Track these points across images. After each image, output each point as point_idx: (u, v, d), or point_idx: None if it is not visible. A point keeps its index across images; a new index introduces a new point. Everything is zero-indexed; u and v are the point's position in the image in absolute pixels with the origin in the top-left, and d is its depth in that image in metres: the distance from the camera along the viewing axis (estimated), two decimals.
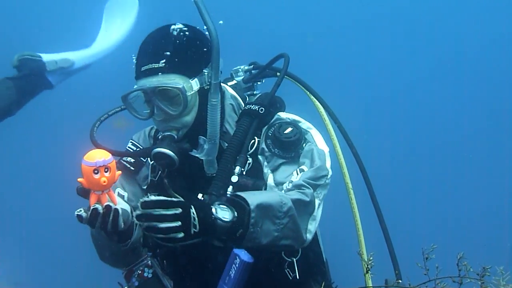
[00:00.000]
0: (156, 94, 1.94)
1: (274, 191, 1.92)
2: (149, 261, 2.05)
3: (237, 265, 1.80)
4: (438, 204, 7.22)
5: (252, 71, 2.38)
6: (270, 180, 1.98)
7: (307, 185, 1.91)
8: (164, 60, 1.93)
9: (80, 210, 1.63)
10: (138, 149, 2.18)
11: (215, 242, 1.70)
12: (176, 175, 2.05)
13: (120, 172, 1.70)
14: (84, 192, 1.66)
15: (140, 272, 2.05)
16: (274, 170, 2.01)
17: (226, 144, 2.04)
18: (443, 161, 7.63)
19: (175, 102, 1.95)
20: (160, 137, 2.00)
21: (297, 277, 1.96)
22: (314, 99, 2.36)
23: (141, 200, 1.54)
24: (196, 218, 1.57)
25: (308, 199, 1.89)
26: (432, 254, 1.47)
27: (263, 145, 2.03)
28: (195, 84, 1.97)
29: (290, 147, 2.01)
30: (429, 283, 1.45)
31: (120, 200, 1.81)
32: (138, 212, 1.53)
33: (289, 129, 2.02)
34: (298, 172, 1.97)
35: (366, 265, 1.51)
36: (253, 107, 2.07)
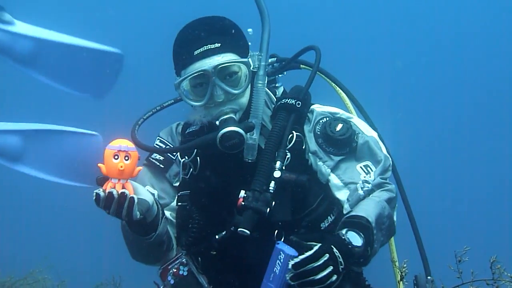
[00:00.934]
0: (217, 74, 1.93)
1: (371, 199, 1.90)
2: (184, 259, 2.05)
3: (282, 261, 1.77)
4: (469, 206, 7.14)
5: (275, 64, 2.36)
6: (336, 181, 2.00)
7: (387, 181, 1.96)
8: (218, 41, 1.95)
9: (100, 190, 1.65)
10: (168, 146, 2.17)
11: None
12: (214, 166, 2.06)
13: (140, 168, 1.71)
14: (102, 182, 1.68)
15: (175, 270, 2.04)
16: (334, 169, 2.01)
17: (263, 138, 2.03)
18: (475, 161, 7.54)
19: (235, 80, 1.97)
20: (220, 121, 1.97)
21: None
22: (344, 95, 2.36)
23: (291, 262, 1.57)
24: (339, 256, 1.58)
25: (394, 195, 1.96)
26: (465, 257, 1.48)
27: (313, 145, 2.03)
28: (250, 62, 2.00)
29: (345, 144, 2.01)
30: (463, 286, 1.47)
31: (143, 191, 1.81)
32: (291, 274, 1.57)
33: (340, 126, 2.02)
34: (364, 168, 1.99)
35: (400, 272, 1.52)
36: (289, 101, 2.06)
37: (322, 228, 2.01)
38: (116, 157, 1.63)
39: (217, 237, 1.98)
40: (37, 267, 5.59)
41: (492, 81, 8.05)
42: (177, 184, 2.15)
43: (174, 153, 2.16)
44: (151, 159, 2.15)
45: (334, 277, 1.55)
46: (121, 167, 1.62)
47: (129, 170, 1.65)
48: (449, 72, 8.15)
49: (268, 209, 1.87)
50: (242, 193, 1.91)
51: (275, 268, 1.78)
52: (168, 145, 2.18)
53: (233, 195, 1.94)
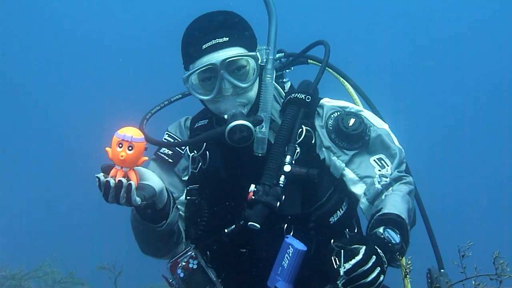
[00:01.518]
0: (225, 67, 1.94)
1: (396, 194, 1.90)
2: (193, 253, 2.06)
3: (290, 255, 1.80)
4: (473, 200, 7.15)
5: (282, 59, 2.35)
6: (352, 175, 2.01)
7: (404, 174, 1.98)
8: (226, 35, 1.96)
9: (100, 174, 1.67)
10: (176, 140, 2.18)
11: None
12: (223, 160, 2.06)
13: (146, 158, 1.70)
14: (106, 169, 1.69)
15: (184, 263, 2.04)
16: (348, 163, 2.02)
17: (273, 133, 2.04)
18: (481, 155, 7.55)
19: (243, 74, 1.98)
20: (229, 115, 1.96)
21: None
22: (352, 90, 2.36)
23: (342, 270, 1.53)
24: (383, 255, 1.58)
25: (413, 187, 1.98)
26: (468, 252, 1.51)
27: (326, 141, 2.03)
28: (258, 56, 2.01)
29: (358, 138, 2.02)
30: (466, 281, 1.50)
31: (152, 177, 1.81)
32: (342, 279, 1.52)
33: (352, 120, 2.03)
34: (377, 161, 2.01)
35: (404, 270, 1.55)
36: (299, 95, 2.07)
37: (331, 223, 2.01)
38: (120, 145, 1.64)
39: (226, 231, 2.00)
40: (46, 260, 5.69)
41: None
42: (186, 178, 2.16)
43: (183, 147, 2.16)
44: (159, 153, 2.16)
45: (382, 277, 1.55)
46: (122, 156, 1.63)
47: (130, 160, 1.65)
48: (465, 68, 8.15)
49: (278, 203, 1.88)
50: (252, 187, 1.91)
51: (283, 262, 1.81)
52: (177, 140, 2.18)
53: (243, 189, 1.95)
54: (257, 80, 2.03)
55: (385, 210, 1.80)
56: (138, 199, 1.68)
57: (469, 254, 1.54)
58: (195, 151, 2.12)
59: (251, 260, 2.03)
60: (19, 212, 7.31)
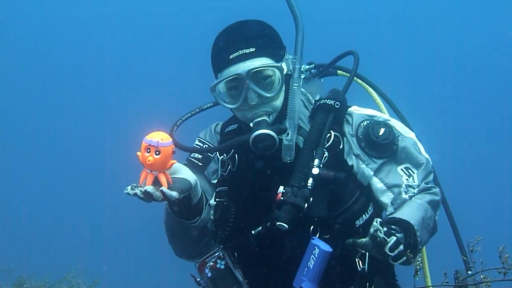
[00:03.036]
0: (251, 77, 2.00)
1: (414, 202, 1.97)
2: (221, 253, 2.11)
3: (316, 255, 1.85)
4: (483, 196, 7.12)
5: (312, 70, 2.41)
6: (380, 185, 2.06)
7: (431, 185, 2.04)
8: (253, 46, 2.02)
9: (127, 189, 1.70)
10: (206, 145, 2.25)
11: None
12: (252, 164, 2.12)
13: (175, 161, 1.75)
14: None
15: (212, 263, 2.10)
16: (376, 172, 2.07)
17: (301, 138, 2.09)
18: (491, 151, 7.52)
19: (269, 84, 2.04)
20: (254, 123, 2.04)
21: (365, 269, 1.99)
22: (379, 100, 2.41)
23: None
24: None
25: (438, 198, 2.03)
26: (478, 247, 1.60)
27: (356, 148, 2.08)
28: (284, 66, 2.07)
29: (387, 148, 2.07)
30: (476, 275, 1.58)
31: (186, 172, 1.88)
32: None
33: (382, 130, 2.08)
34: (405, 171, 2.06)
35: (415, 267, 1.65)
36: (328, 101, 2.12)
37: (356, 226, 2.06)
38: (148, 150, 1.69)
39: (253, 232, 2.05)
40: (71, 272, 5.83)
41: None
42: (215, 181, 2.23)
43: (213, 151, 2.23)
44: (190, 158, 2.24)
45: (401, 246, 1.71)
46: (149, 161, 1.68)
47: (158, 164, 1.70)
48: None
49: (306, 205, 1.93)
50: (281, 188, 1.97)
51: (309, 263, 1.86)
52: (207, 144, 2.26)
53: (271, 192, 2.01)
54: (283, 89, 2.08)
55: (395, 215, 1.89)
56: (174, 193, 1.73)
57: (479, 249, 1.59)
58: (225, 155, 2.20)
59: (277, 261, 2.09)
60: (43, 224, 7.46)
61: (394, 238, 1.71)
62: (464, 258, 2.10)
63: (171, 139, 1.73)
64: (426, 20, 8.22)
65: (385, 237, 1.70)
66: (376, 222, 1.72)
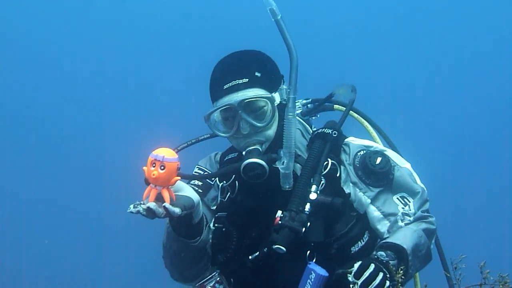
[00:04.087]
0: (243, 108, 2.05)
1: (408, 228, 2.02)
2: (219, 278, 2.14)
3: (312, 280, 1.87)
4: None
5: (309, 105, 2.50)
6: (377, 213, 2.11)
7: (427, 214, 2.09)
8: (246, 76, 2.08)
9: (130, 208, 1.73)
10: (207, 172, 2.29)
11: None
12: (252, 190, 2.15)
13: (178, 178, 1.79)
14: (148, 183, 1.79)
15: (211, 287, 2.13)
16: (373, 200, 2.12)
17: (299, 166, 2.14)
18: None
19: (261, 114, 2.09)
20: (245, 151, 2.10)
21: None
22: (375, 134, 2.49)
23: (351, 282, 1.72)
24: (381, 266, 1.77)
25: (434, 227, 2.09)
26: (462, 264, 1.64)
27: (353, 177, 2.14)
28: (277, 97, 2.12)
29: (384, 176, 2.13)
30: None
31: (188, 190, 1.91)
32: None
33: (379, 159, 2.13)
34: (400, 199, 2.11)
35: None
36: (326, 130, 2.19)
37: (352, 252, 2.10)
38: (153, 164, 1.73)
39: (250, 257, 2.09)
40: None
41: None
42: (214, 208, 2.28)
43: (213, 179, 2.29)
44: (190, 185, 2.23)
45: (388, 282, 1.72)
46: (153, 175, 1.72)
47: (162, 179, 1.73)
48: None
49: (303, 229, 1.98)
50: (279, 213, 2.02)
51: (305, 287, 1.89)
52: (207, 172, 2.32)
53: (269, 217, 2.06)
54: (276, 118, 2.13)
55: (388, 239, 1.95)
56: (177, 209, 1.78)
57: (463, 266, 1.65)
58: (225, 181, 2.26)
59: (273, 286, 2.12)
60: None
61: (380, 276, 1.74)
62: (448, 275, 2.15)
63: (177, 156, 1.78)
64: (421, 51, 8.38)
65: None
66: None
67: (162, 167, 1.73)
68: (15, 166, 7.84)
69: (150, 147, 1.79)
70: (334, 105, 2.53)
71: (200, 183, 2.30)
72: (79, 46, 8.29)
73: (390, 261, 1.81)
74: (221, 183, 2.26)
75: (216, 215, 2.24)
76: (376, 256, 1.85)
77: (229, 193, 2.24)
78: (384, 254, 1.86)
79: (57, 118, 8.29)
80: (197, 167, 2.39)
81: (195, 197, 1.93)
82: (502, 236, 6.77)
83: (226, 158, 2.33)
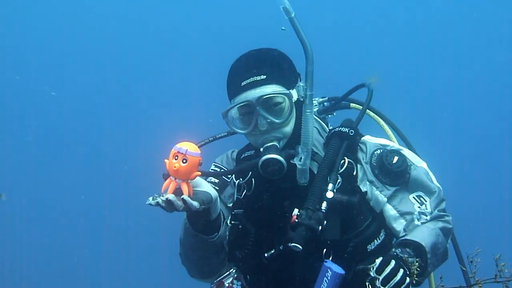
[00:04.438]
0: (261, 104, 2.07)
1: (426, 227, 2.04)
2: (237, 274, 2.16)
3: (329, 278, 1.86)
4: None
5: (325, 103, 2.50)
6: (393, 212, 2.12)
7: (444, 213, 2.11)
8: (264, 73, 2.09)
9: (149, 200, 1.76)
10: (223, 169, 2.31)
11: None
12: (268, 187, 2.17)
13: (199, 173, 1.80)
14: (166, 176, 1.81)
15: (228, 284, 2.15)
16: (389, 199, 2.13)
17: (315, 164, 2.15)
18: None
19: (279, 110, 2.10)
20: (263, 148, 2.11)
21: None
22: (391, 133, 2.48)
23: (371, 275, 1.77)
24: (401, 263, 1.81)
25: (450, 226, 2.10)
26: (477, 258, 1.67)
27: (370, 176, 2.15)
28: (294, 94, 2.13)
29: (401, 175, 2.14)
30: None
31: (207, 186, 1.93)
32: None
33: (396, 158, 2.14)
34: (417, 199, 2.13)
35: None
36: (343, 129, 2.19)
37: (368, 250, 2.11)
38: (176, 157, 1.75)
39: (266, 255, 2.11)
40: None
41: None
42: (231, 205, 2.29)
43: (229, 176, 2.31)
44: (207, 182, 2.25)
45: (408, 279, 1.76)
46: (175, 167, 1.74)
47: (183, 172, 1.75)
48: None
49: (320, 227, 1.98)
50: (296, 211, 2.02)
51: (322, 285, 1.88)
52: (223, 169, 2.34)
53: (285, 214, 2.07)
54: (294, 115, 2.15)
55: (407, 237, 1.97)
56: (195, 203, 1.80)
57: (478, 260, 1.67)
58: (241, 179, 2.27)
59: (290, 283, 2.13)
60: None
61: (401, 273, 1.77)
62: (463, 268, 2.16)
63: (199, 151, 1.81)
64: (440, 50, 8.33)
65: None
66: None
67: (184, 160, 1.75)
68: (15, 166, 7.94)
69: (163, 146, 1.81)
70: (351, 104, 2.53)
71: (216, 180, 2.32)
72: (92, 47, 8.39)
73: (409, 258, 1.83)
74: (238, 180, 2.27)
75: (233, 212, 2.25)
76: (395, 253, 1.86)
77: (245, 190, 2.25)
78: (403, 251, 1.88)
79: (57, 118, 8.39)
80: (213, 165, 2.40)
81: (213, 192, 1.95)
82: None
83: (243, 155, 2.34)
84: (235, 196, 2.29)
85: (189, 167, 1.76)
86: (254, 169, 2.13)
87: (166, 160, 1.78)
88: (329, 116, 2.54)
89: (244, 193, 2.25)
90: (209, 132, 2.41)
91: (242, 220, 2.20)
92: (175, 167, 1.74)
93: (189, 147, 1.77)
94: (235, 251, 2.19)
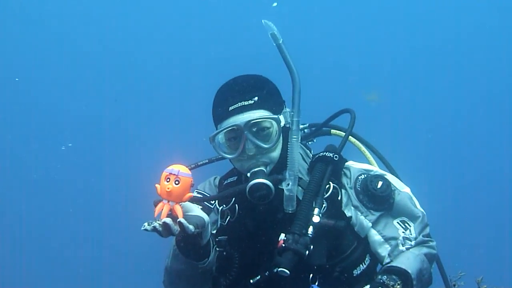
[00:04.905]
0: (249, 129, 2.06)
1: (411, 253, 2.04)
2: None
3: None
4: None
5: (305, 130, 2.51)
6: (378, 237, 2.12)
7: (429, 238, 2.12)
8: (252, 98, 2.09)
9: (144, 226, 1.74)
10: (207, 195, 2.27)
11: None
12: (253, 213, 2.15)
13: (191, 194, 1.80)
14: (157, 203, 1.79)
15: None
16: (374, 224, 2.13)
17: (300, 189, 2.14)
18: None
19: (267, 135, 2.09)
20: (250, 173, 2.09)
21: None
22: (373, 160, 2.50)
23: None
24: None
25: (435, 251, 2.11)
26: (461, 281, 1.64)
27: (355, 201, 2.15)
28: (282, 119, 2.13)
29: (385, 200, 2.14)
30: None
31: (198, 211, 1.90)
32: None
33: (380, 183, 2.15)
34: (401, 224, 2.13)
35: None
36: (327, 154, 2.20)
37: (354, 275, 2.11)
38: (168, 179, 1.75)
39: (252, 281, 2.09)
40: None
41: None
42: (215, 231, 2.25)
43: (212, 202, 2.28)
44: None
45: None
46: (168, 188, 1.73)
47: (176, 193, 1.75)
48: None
49: (307, 252, 1.98)
50: (282, 235, 2.01)
51: None
52: (206, 195, 2.31)
53: (270, 240, 2.05)
54: (281, 140, 2.14)
55: (393, 263, 1.97)
56: (191, 226, 1.79)
57: (461, 284, 1.65)
58: (224, 205, 2.24)
59: None
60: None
61: None
62: None
63: (190, 172, 1.80)
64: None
65: None
66: None
67: (177, 182, 1.75)
68: (15, 166, 7.88)
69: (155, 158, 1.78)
70: (331, 130, 2.55)
71: (200, 207, 2.24)
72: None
73: (395, 286, 1.84)
74: (221, 207, 2.25)
75: (217, 239, 2.22)
76: (381, 281, 1.87)
77: (229, 216, 2.23)
78: (390, 278, 1.89)
79: (58, 118, 8.37)
80: (196, 191, 2.38)
81: (205, 216, 1.93)
82: (501, 251, 6.76)
83: (226, 182, 2.33)
84: (219, 222, 2.26)
85: (182, 188, 1.76)
86: (238, 195, 2.12)
87: (157, 185, 1.78)
88: (309, 142, 2.55)
89: (227, 219, 2.23)
90: (196, 157, 2.40)
91: (226, 247, 2.18)
92: (168, 188, 1.74)
93: (180, 168, 1.77)
94: (220, 278, 2.16)
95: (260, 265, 2.11)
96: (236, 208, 2.22)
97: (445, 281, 2.40)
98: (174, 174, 1.75)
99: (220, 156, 2.30)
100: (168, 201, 1.77)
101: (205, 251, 2.03)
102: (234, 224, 2.21)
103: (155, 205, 1.80)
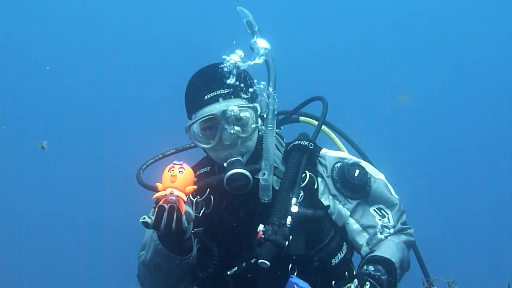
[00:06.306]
0: (226, 118, 2.01)
1: (391, 241, 2.05)
2: None
3: None
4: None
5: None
6: (356, 226, 2.12)
7: (407, 226, 2.13)
8: (228, 87, 2.03)
9: (144, 218, 1.75)
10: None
11: None
12: (229, 204, 2.11)
13: (195, 187, 1.86)
14: (158, 201, 1.78)
15: None
16: (352, 212, 2.13)
17: (275, 178, 2.10)
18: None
19: (243, 125, 2.04)
20: (227, 163, 2.04)
21: None
22: (342, 146, 2.49)
23: None
24: (375, 283, 1.81)
25: (413, 238, 2.13)
26: (434, 285, 1.70)
27: (332, 189, 2.14)
28: (257, 108, 2.08)
29: (362, 188, 2.14)
30: None
31: (187, 207, 1.89)
32: None
33: (357, 171, 2.14)
34: (377, 211, 2.14)
35: None
36: (302, 142, 2.17)
37: (332, 264, 2.11)
38: (171, 170, 1.80)
39: (229, 272, 2.07)
40: None
41: None
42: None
43: None
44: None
45: None
46: (173, 175, 1.77)
47: (181, 180, 1.78)
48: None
49: (286, 242, 1.95)
50: (261, 226, 1.98)
51: None
52: None
53: (248, 232, 2.02)
54: (257, 130, 2.10)
55: (377, 253, 1.97)
56: (186, 222, 1.81)
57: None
58: (198, 196, 2.13)
59: None
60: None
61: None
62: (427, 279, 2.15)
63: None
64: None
65: None
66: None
67: (181, 171, 1.80)
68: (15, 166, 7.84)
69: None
70: (300, 117, 2.52)
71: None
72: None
73: (381, 276, 1.85)
74: (195, 198, 2.12)
75: (192, 231, 2.12)
76: (368, 271, 1.87)
77: (203, 208, 2.15)
78: (376, 269, 1.89)
79: (58, 118, 8.30)
80: None
81: (191, 211, 1.91)
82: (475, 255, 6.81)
83: (198, 172, 2.24)
84: (193, 214, 2.13)
85: (186, 176, 1.80)
86: (214, 185, 2.06)
87: (158, 184, 1.79)
88: (277, 130, 2.44)
89: (202, 211, 2.14)
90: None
91: (203, 239, 2.14)
92: (173, 174, 1.77)
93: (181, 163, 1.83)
94: (197, 271, 2.12)
95: (239, 257, 2.08)
96: (211, 199, 2.14)
97: (423, 269, 2.41)
98: (179, 164, 1.80)
99: (187, 146, 2.27)
100: (171, 194, 1.77)
101: (190, 246, 2.00)
102: (209, 215, 2.14)
103: (155, 203, 1.78)
